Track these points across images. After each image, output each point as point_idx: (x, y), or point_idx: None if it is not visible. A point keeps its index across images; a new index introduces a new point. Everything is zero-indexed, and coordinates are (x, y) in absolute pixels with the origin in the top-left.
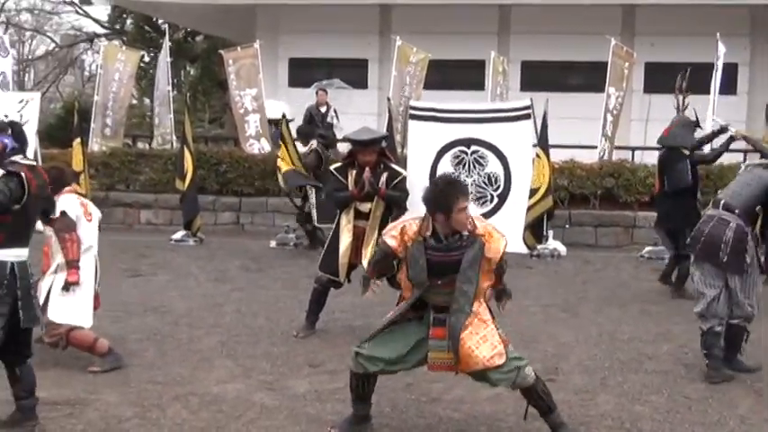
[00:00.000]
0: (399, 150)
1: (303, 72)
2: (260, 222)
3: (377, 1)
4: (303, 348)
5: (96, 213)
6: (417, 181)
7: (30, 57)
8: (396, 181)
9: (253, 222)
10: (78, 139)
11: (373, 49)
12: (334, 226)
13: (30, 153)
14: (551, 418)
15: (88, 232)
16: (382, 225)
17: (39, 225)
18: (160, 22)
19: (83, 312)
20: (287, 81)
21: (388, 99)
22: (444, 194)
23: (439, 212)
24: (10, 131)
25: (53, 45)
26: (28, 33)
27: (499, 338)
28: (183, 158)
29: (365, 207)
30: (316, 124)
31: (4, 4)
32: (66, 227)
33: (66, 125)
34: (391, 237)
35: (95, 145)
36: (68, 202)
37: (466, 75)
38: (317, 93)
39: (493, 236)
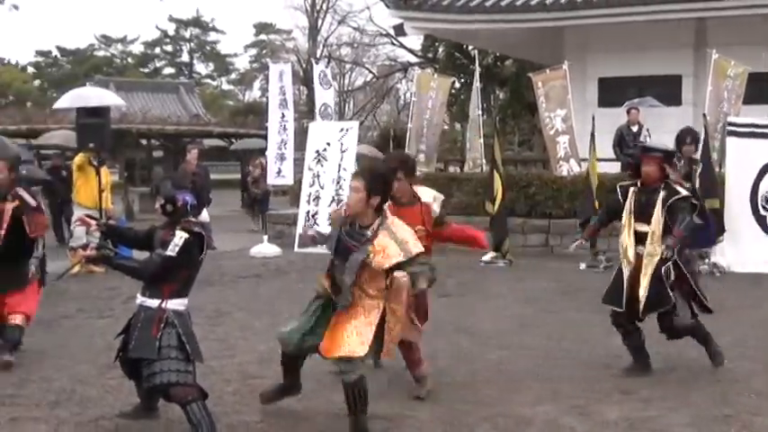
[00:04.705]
0: (717, 170)
1: (613, 91)
2: (569, 245)
3: (692, 14)
4: (613, 374)
5: None
6: (737, 199)
7: (349, 88)
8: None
9: (561, 244)
10: None
11: (687, 64)
12: None
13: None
14: None
15: None
16: None
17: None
18: (470, 48)
19: None
20: (596, 101)
21: (704, 116)
22: None
23: None
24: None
25: (370, 76)
26: (347, 66)
27: None
28: (493, 181)
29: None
30: (626, 144)
31: (326, 39)
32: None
33: (382, 152)
34: None
35: None
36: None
37: None
38: (628, 111)
39: None
